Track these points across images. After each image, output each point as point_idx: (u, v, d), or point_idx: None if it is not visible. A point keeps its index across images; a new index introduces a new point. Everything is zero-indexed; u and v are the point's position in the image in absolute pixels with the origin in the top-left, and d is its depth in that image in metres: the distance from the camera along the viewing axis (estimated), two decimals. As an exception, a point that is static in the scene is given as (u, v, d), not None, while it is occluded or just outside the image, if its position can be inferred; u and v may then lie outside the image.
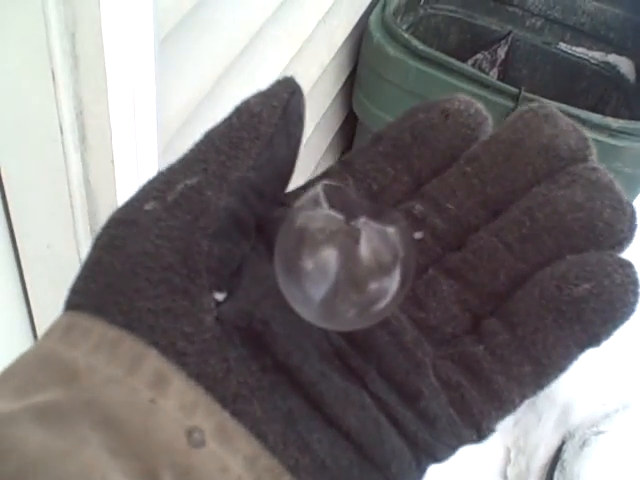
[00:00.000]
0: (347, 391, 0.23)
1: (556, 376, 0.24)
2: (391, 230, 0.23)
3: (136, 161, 0.59)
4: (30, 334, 0.70)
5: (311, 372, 0.22)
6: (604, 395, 1.30)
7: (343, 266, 0.22)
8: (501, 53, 1.44)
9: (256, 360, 0.22)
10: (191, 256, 0.22)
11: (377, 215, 0.23)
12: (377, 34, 1.13)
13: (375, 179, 0.28)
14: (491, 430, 0.24)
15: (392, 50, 1.10)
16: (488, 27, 1.49)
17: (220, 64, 0.69)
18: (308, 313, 0.23)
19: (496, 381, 0.23)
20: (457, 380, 0.24)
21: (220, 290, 0.23)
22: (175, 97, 0.64)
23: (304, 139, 0.27)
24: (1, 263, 0.65)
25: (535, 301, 0.24)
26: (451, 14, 1.52)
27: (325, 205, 0.23)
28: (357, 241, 0.22)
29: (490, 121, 0.28)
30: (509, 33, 1.46)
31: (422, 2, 1.48)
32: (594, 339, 0.23)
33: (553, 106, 0.27)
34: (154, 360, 0.20)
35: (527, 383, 0.24)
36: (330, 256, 0.22)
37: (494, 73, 1.44)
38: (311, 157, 1.26)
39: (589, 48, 1.46)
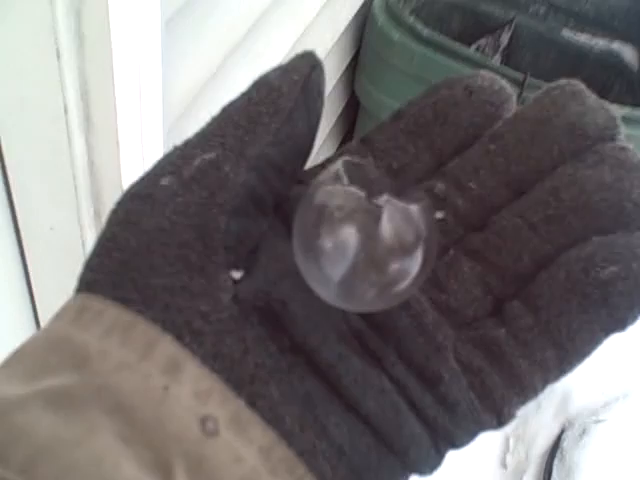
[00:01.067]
0: (366, 374, 0.22)
1: (580, 361, 0.23)
2: (414, 209, 0.22)
3: (141, 142, 0.58)
4: (32, 317, 0.70)
5: (329, 354, 0.22)
6: (604, 384, 1.30)
7: (363, 245, 0.21)
8: (504, 39, 1.43)
9: (274, 341, 0.22)
10: (208, 233, 0.22)
11: (399, 193, 0.22)
12: (381, 18, 1.12)
13: (395, 157, 0.27)
14: (512, 416, 0.23)
15: (396, 34, 1.09)
16: (491, 13, 1.48)
17: (225, 45, 0.69)
18: (326, 293, 0.22)
19: (518, 365, 0.23)
20: (478, 364, 0.23)
21: (237, 268, 0.22)
22: (180, 77, 0.63)
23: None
24: (3, 245, 0.64)
25: (560, 284, 0.23)
26: (453, 0, 1.51)
27: (346, 181, 0.22)
28: (378, 219, 0.22)
29: (514, 99, 0.27)
30: (512, 19, 1.45)
31: (424, -12, 1.46)
32: (620, 324, 0.23)
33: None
34: (168, 345, 0.20)
35: (550, 368, 0.23)
36: (350, 234, 0.21)
37: (497, 59, 1.43)
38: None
39: (593, 35, 1.45)
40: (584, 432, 1.26)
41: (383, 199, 0.22)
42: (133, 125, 0.56)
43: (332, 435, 0.21)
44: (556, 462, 1.26)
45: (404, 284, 0.22)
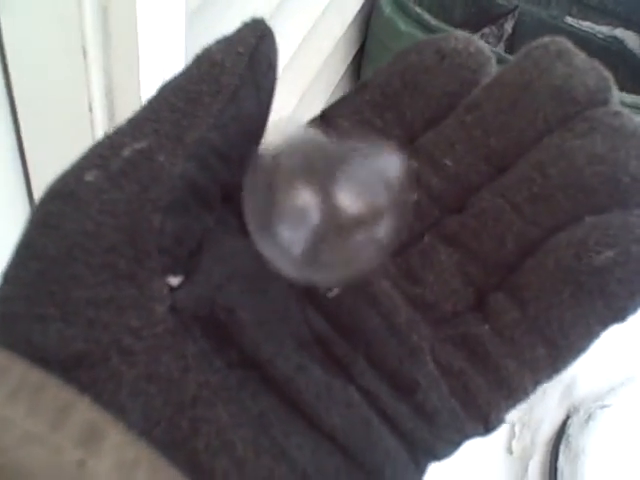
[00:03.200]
0: (330, 386, 0.20)
1: (575, 358, 0.21)
2: (385, 159, 0.20)
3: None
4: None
5: (286, 366, 0.20)
6: (609, 368, 1.31)
7: (325, 206, 0.19)
8: (507, 28, 1.43)
9: (220, 355, 0.19)
10: (139, 234, 0.19)
11: (368, 143, 0.20)
12: (387, 9, 1.11)
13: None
14: (501, 421, 0.21)
15: (403, 25, 1.09)
16: (494, 1, 1.47)
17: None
18: (287, 266, 0.20)
19: (505, 366, 0.21)
20: (459, 366, 0.21)
21: (175, 273, 0.20)
22: None
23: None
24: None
25: (549, 272, 0.21)
26: (455, -14, 1.51)
27: (304, 134, 0.20)
28: (343, 172, 0.19)
29: (494, 62, 0.24)
30: (515, 7, 1.45)
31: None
32: (619, 315, 0.20)
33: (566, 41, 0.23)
34: (85, 410, 0.17)
35: (541, 367, 0.21)
36: (309, 194, 0.19)
37: (501, 48, 1.43)
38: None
39: (596, 22, 1.45)
40: (590, 417, 1.27)
41: (348, 147, 0.20)
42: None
43: (293, 458, 0.19)
44: (562, 448, 1.27)
45: (373, 250, 0.20)
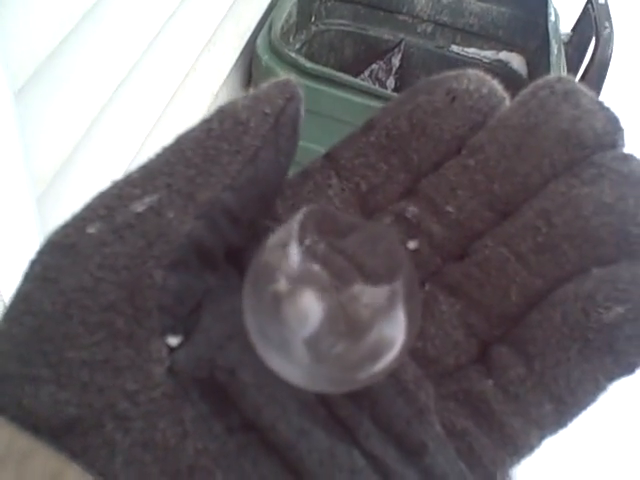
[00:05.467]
0: (334, 451, 0.19)
1: (581, 413, 0.20)
2: (387, 271, 0.19)
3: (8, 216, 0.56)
4: None
5: (288, 430, 0.18)
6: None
7: (329, 322, 0.18)
8: (395, 61, 1.46)
9: (219, 419, 0.18)
10: (140, 291, 0.18)
11: (373, 239, 0.19)
12: (265, 56, 1.12)
13: (364, 177, 0.23)
14: (505, 477, 0.20)
15: (281, 71, 1.10)
16: (380, 37, 1.51)
17: (91, 107, 0.68)
18: (296, 379, 0.19)
19: (510, 425, 0.20)
20: (462, 425, 0.20)
21: (175, 333, 0.19)
22: (44, 147, 0.61)
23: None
24: None
25: (556, 328, 0.20)
26: (343, 28, 1.53)
27: (299, 251, 0.18)
28: (346, 285, 0.18)
29: (507, 102, 0.23)
30: (401, 41, 1.48)
31: (313, 19, 1.49)
32: (627, 370, 0.20)
33: (573, 80, 0.23)
34: (75, 477, 0.16)
35: (548, 424, 0.20)
36: (312, 312, 0.18)
37: (391, 81, 1.46)
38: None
39: (480, 47, 1.49)
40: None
41: (346, 270, 0.18)
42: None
43: None
44: None
45: (386, 358, 0.18)
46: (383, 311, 0.18)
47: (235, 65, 1.14)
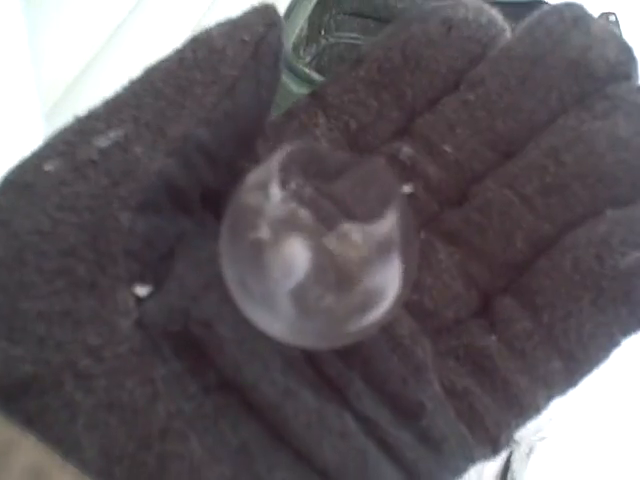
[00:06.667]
0: (322, 413, 0.17)
1: (593, 370, 0.19)
2: (380, 211, 0.17)
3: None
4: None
5: (272, 390, 0.17)
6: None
7: (317, 268, 0.17)
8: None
9: (195, 378, 0.17)
10: (103, 235, 0.16)
11: (364, 180, 0.18)
12: (279, 72, 1.13)
13: (354, 115, 0.22)
14: (510, 441, 0.19)
15: (295, 87, 1.10)
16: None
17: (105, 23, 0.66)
18: (280, 333, 0.17)
19: (515, 383, 0.19)
20: (464, 384, 0.19)
21: (143, 282, 0.17)
22: (54, 61, 0.59)
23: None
24: None
25: (566, 276, 0.18)
26: (352, 41, 1.54)
27: (280, 194, 0.17)
28: (332, 239, 0.17)
29: (507, 34, 0.22)
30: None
31: (323, 33, 1.49)
32: None
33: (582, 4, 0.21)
34: (29, 451, 0.14)
35: (556, 382, 0.19)
36: (297, 257, 0.16)
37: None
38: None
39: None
40: (530, 450, 1.27)
41: (334, 214, 0.17)
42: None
43: None
44: (508, 483, 1.27)
45: (379, 309, 0.17)
46: (375, 255, 0.16)
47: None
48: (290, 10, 1.26)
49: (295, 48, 1.23)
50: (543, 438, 1.27)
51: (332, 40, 1.58)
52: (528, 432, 1.31)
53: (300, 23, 1.27)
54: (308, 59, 1.46)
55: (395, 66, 0.21)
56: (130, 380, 0.16)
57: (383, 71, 0.21)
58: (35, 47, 0.53)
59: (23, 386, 0.15)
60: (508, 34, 0.22)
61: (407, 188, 0.21)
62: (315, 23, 1.45)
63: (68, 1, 0.60)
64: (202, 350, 0.17)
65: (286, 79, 1.13)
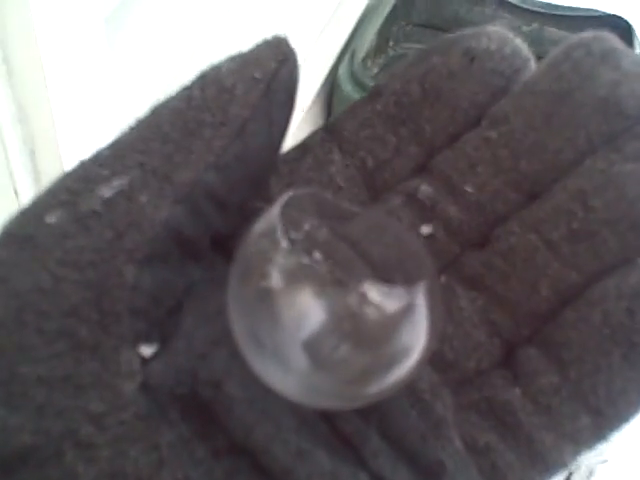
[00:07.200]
0: (337, 474, 0.16)
1: (623, 425, 0.18)
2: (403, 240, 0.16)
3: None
4: None
5: (284, 452, 0.16)
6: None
7: (332, 324, 0.15)
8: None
9: (204, 442, 0.16)
10: (107, 292, 0.15)
11: (381, 227, 0.17)
12: (347, 87, 1.13)
13: (371, 151, 0.20)
14: None
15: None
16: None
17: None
18: (292, 392, 0.16)
19: (540, 440, 0.17)
20: (486, 441, 0.18)
21: (149, 341, 0.16)
22: None
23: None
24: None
25: (595, 329, 0.17)
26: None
27: (285, 241, 0.15)
28: (348, 291, 0.15)
29: (533, 63, 0.21)
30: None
31: (391, 44, 1.49)
32: None
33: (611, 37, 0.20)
34: None
35: (584, 439, 0.18)
36: (312, 312, 0.15)
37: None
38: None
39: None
40: (591, 474, 1.25)
41: (354, 268, 0.16)
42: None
43: None
44: (566, 505, 1.25)
45: (402, 368, 0.16)
46: (400, 314, 0.15)
47: (317, 95, 1.15)
48: (360, 24, 1.26)
49: (363, 60, 1.23)
50: (605, 461, 1.25)
51: (400, 51, 1.58)
52: (588, 454, 1.28)
53: (370, 38, 1.27)
54: (376, 70, 1.46)
55: (414, 100, 0.20)
56: (134, 448, 0.15)
57: (401, 105, 0.20)
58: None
59: (22, 456, 0.14)
60: (533, 64, 0.21)
61: (426, 229, 0.20)
62: (384, 34, 1.45)
63: None
64: (211, 412, 0.16)
65: (354, 95, 1.14)
